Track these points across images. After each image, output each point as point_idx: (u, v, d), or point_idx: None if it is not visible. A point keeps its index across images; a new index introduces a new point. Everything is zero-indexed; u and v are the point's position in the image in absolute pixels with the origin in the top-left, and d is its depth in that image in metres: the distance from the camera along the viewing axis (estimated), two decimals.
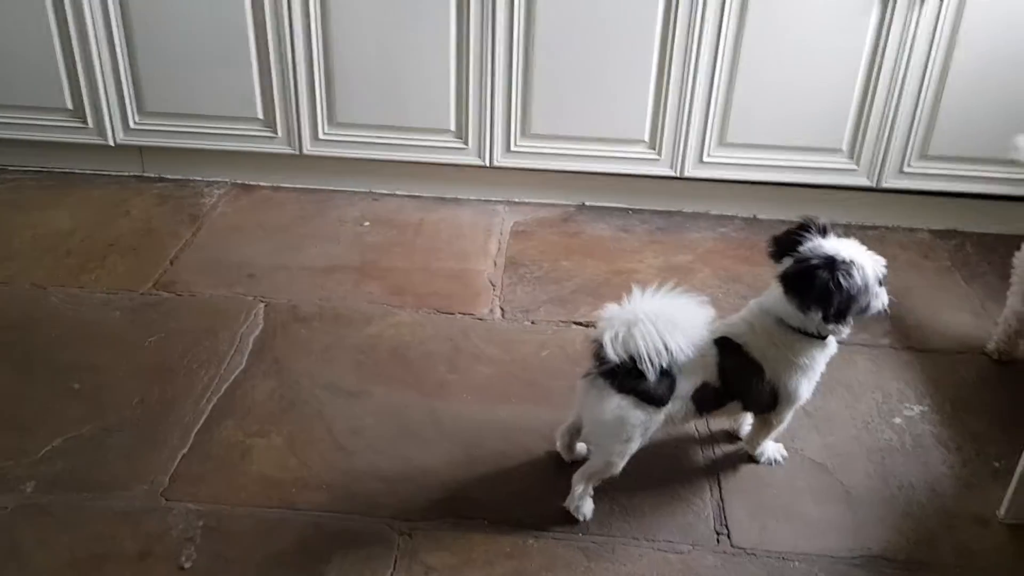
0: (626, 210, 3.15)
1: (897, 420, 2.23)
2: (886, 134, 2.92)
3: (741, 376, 1.86)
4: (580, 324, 2.53)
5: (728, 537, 1.87)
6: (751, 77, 2.86)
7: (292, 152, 3.08)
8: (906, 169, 2.98)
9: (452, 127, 3.01)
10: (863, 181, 3.01)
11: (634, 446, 1.81)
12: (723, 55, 2.83)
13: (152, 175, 3.21)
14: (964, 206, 3.07)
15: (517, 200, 3.18)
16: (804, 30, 2.78)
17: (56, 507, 1.84)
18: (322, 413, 2.14)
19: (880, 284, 1.81)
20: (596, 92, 2.91)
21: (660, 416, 1.79)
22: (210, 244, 2.82)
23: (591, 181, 3.11)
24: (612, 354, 1.67)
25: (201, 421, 2.09)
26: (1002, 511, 1.94)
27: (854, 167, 2.99)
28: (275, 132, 3.05)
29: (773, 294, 1.86)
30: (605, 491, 1.93)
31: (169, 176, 3.21)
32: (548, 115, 2.97)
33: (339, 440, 2.06)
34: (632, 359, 1.68)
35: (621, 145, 3.00)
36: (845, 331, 1.85)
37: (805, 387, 1.91)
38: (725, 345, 1.84)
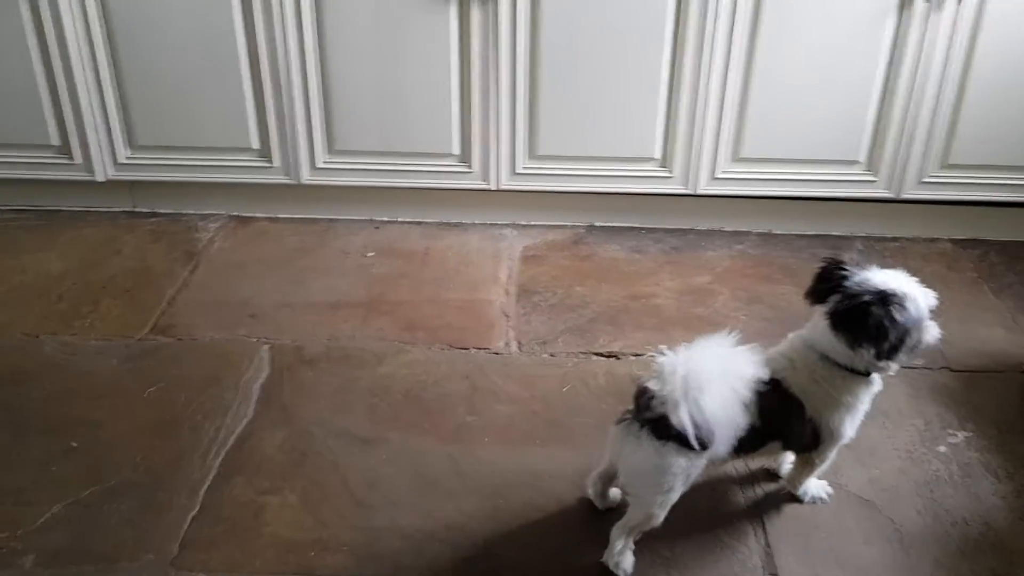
0: (638, 229, 3.05)
1: (942, 448, 2.12)
2: (905, 144, 2.83)
3: (781, 414, 1.75)
4: (601, 355, 2.42)
5: None
6: (764, 90, 2.76)
7: (290, 182, 2.96)
8: (926, 179, 2.88)
9: (456, 151, 2.89)
10: (882, 192, 2.91)
11: (676, 495, 1.69)
12: (735, 68, 2.73)
13: (144, 210, 3.09)
14: (986, 214, 2.98)
15: (524, 223, 3.07)
16: (818, 41, 2.68)
17: None
18: (336, 464, 2.02)
19: (931, 317, 1.71)
20: (604, 110, 2.81)
21: (702, 461, 1.68)
22: (209, 283, 2.69)
23: (600, 201, 3.01)
24: (673, 419, 1.54)
25: (210, 479, 1.96)
26: None
27: (873, 178, 2.89)
28: (271, 162, 2.93)
29: (817, 328, 1.75)
30: (643, 541, 1.81)
31: (162, 211, 3.09)
32: (555, 135, 2.86)
33: (356, 494, 1.94)
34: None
35: (631, 164, 2.90)
36: (895, 368, 1.74)
37: (849, 425, 1.80)
38: (767, 383, 1.73)
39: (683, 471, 1.66)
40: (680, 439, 1.60)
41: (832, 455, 1.87)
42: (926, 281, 2.74)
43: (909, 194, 2.91)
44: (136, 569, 1.74)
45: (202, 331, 2.46)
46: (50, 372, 2.29)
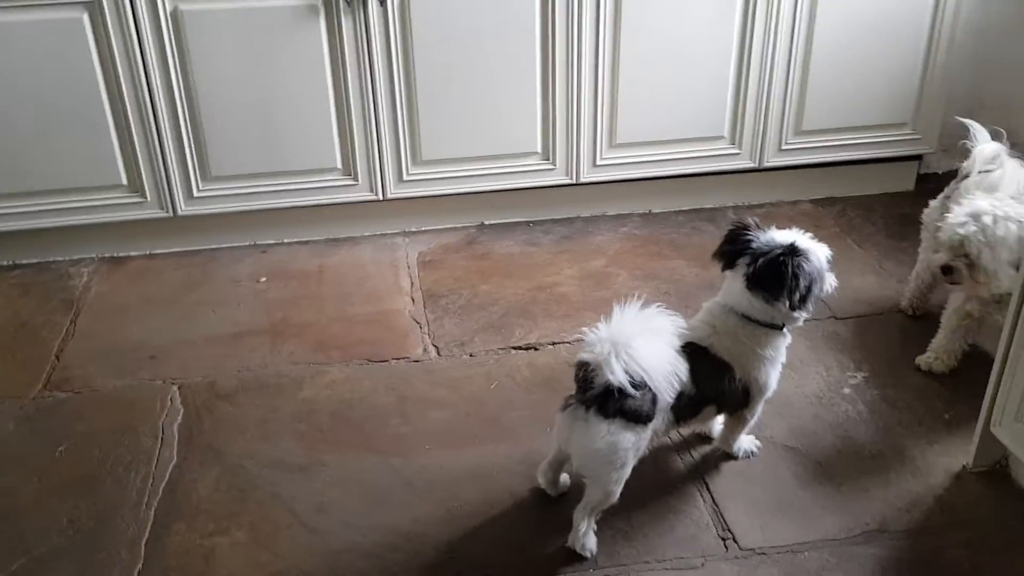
0: (527, 223, 3.10)
1: (846, 390, 2.28)
2: (762, 116, 3.01)
3: (714, 379, 1.84)
4: (520, 348, 2.45)
5: (735, 541, 1.84)
6: (632, 79, 2.87)
7: (165, 215, 2.84)
8: (784, 147, 3.08)
9: (338, 165, 2.86)
10: (747, 163, 3.09)
11: (628, 470, 1.75)
12: (603, 59, 2.82)
13: (5, 263, 2.87)
14: (839, 174, 3.21)
15: (415, 229, 3.06)
16: (676, 26, 2.82)
17: None
18: (278, 495, 1.96)
19: (828, 268, 1.84)
20: (483, 110, 2.84)
21: (648, 433, 1.74)
22: (96, 329, 2.55)
23: (488, 199, 3.04)
24: (610, 376, 1.60)
25: (148, 530, 1.86)
26: (970, 462, 2.01)
27: (737, 151, 3.06)
28: (143, 196, 2.80)
29: (733, 292, 1.85)
30: (602, 519, 1.86)
31: (24, 261, 2.89)
32: (437, 140, 2.87)
33: (307, 522, 1.89)
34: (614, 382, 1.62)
35: (515, 159, 2.95)
36: (803, 318, 1.86)
37: (773, 377, 1.92)
38: (692, 351, 1.81)
39: (633, 445, 1.71)
40: (626, 414, 1.66)
41: (760, 409, 1.97)
42: None
43: (770, 162, 3.10)
44: None
45: (101, 380, 2.33)
46: None
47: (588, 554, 1.79)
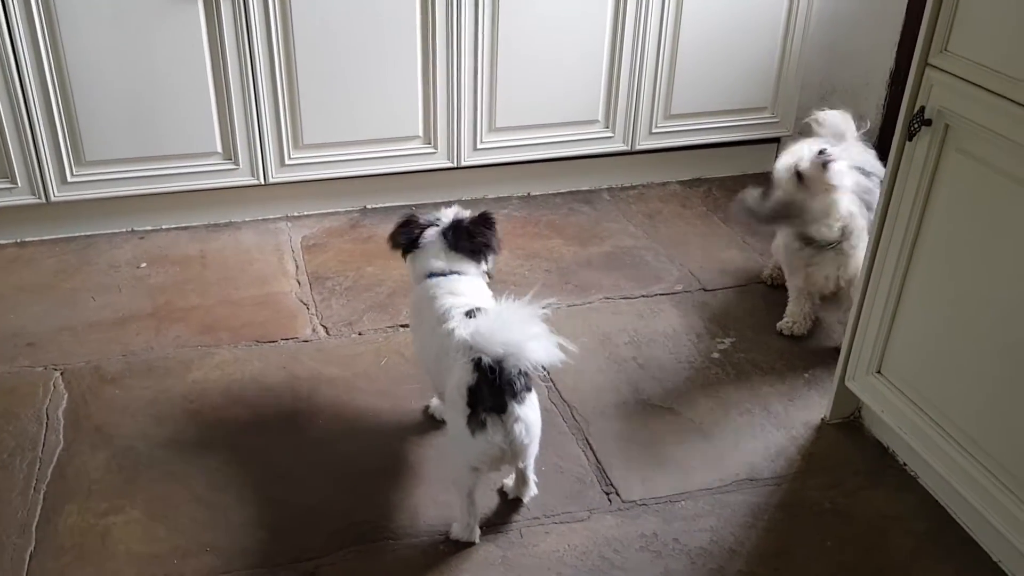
0: (409, 207, 3.14)
1: (715, 355, 2.45)
2: (634, 100, 3.16)
3: None
4: (407, 326, 2.51)
5: (618, 495, 1.97)
6: (510, 64, 2.96)
7: (37, 201, 2.75)
8: (654, 130, 3.24)
9: (219, 148, 2.84)
10: (620, 146, 3.24)
11: None
12: (483, 44, 2.91)
13: None
14: (705, 156, 3.39)
15: (297, 214, 3.07)
16: (551, 13, 2.92)
17: None
18: (173, 474, 1.97)
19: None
20: (364, 94, 2.88)
21: None
22: None
23: (370, 183, 3.08)
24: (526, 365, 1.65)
25: (38, 513, 1.84)
26: (828, 414, 2.20)
27: (610, 134, 3.20)
28: (14, 182, 2.71)
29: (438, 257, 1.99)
30: (493, 481, 1.95)
31: None
32: (319, 123, 2.89)
33: (204, 498, 1.91)
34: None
35: (397, 143, 2.99)
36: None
37: None
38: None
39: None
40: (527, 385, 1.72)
41: None
42: (668, 219, 3.14)
43: (641, 145, 3.26)
44: None
45: None
46: None
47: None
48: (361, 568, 1.76)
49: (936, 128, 1.77)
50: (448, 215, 2.01)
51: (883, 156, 1.96)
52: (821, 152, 2.26)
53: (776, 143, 3.42)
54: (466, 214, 2.02)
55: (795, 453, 2.10)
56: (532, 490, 1.92)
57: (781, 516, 1.93)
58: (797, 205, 2.28)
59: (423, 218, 2.01)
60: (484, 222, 1.99)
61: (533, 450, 1.79)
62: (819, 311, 2.52)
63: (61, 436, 2.05)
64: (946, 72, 1.73)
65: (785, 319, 2.52)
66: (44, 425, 2.08)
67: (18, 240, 2.85)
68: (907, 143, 1.84)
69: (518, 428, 1.69)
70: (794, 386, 2.33)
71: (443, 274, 1.94)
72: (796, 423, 2.19)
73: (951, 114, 1.74)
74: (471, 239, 1.97)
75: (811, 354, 2.44)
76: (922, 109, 1.79)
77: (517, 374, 1.67)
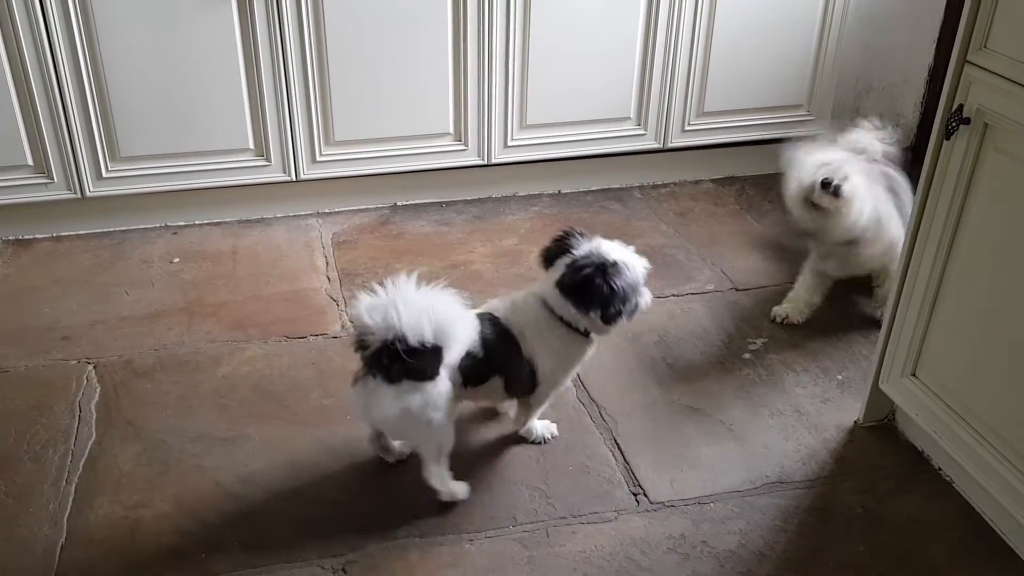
0: (440, 204, 3.15)
1: (746, 355, 2.42)
2: (667, 98, 3.13)
3: (500, 348, 1.85)
4: None
5: (645, 496, 1.95)
6: (542, 60, 2.95)
7: (73, 196, 2.79)
8: (687, 128, 3.21)
9: (251, 145, 2.86)
10: (652, 144, 3.21)
11: (441, 415, 1.76)
12: (514, 39, 2.90)
13: None
14: (738, 154, 3.36)
15: (328, 210, 3.08)
16: (585, 10, 2.91)
17: None
18: (203, 468, 1.98)
19: (644, 283, 1.89)
20: (395, 91, 2.88)
21: (441, 387, 1.75)
22: (4, 313, 2.50)
23: (401, 180, 3.08)
24: (374, 327, 1.63)
25: (69, 505, 1.86)
26: (861, 417, 2.17)
27: (642, 132, 3.18)
28: (50, 177, 2.75)
29: (547, 287, 1.88)
30: (520, 480, 1.95)
31: None
32: (350, 120, 2.90)
33: (232, 491, 1.92)
34: (392, 342, 1.63)
35: (427, 140, 3.00)
36: (611, 331, 1.90)
37: (562, 376, 1.96)
38: (488, 319, 1.86)
39: (427, 403, 1.72)
40: (411, 374, 1.68)
41: (547, 400, 2.01)
42: (700, 218, 3.11)
43: (674, 143, 3.23)
44: None
45: (13, 361, 2.29)
46: None
47: (463, 496, 1.87)
48: (388, 565, 1.76)
49: (975, 127, 1.73)
50: (595, 250, 1.84)
51: (920, 156, 1.92)
52: (825, 184, 2.24)
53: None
54: (622, 255, 1.85)
55: (827, 456, 2.07)
56: (443, 491, 1.86)
57: (812, 520, 1.90)
58: (819, 230, 2.28)
59: (577, 242, 1.87)
60: (599, 274, 1.81)
61: (405, 437, 1.83)
62: (857, 307, 2.47)
63: (93, 429, 2.07)
64: (985, 69, 1.69)
65: (784, 304, 2.49)
66: (77, 418, 2.10)
67: (54, 235, 2.89)
68: (944, 142, 1.80)
69: (369, 404, 1.73)
70: (827, 388, 2.29)
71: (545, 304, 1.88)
72: (828, 426, 2.16)
73: (990, 112, 1.70)
74: (581, 289, 1.82)
75: (845, 356, 2.40)
76: (960, 107, 1.75)
77: (388, 354, 1.64)
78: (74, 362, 2.30)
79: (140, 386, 2.22)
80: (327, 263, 2.79)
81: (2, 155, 2.67)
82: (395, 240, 2.93)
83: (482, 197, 3.20)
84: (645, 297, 1.90)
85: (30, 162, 2.71)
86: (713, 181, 3.37)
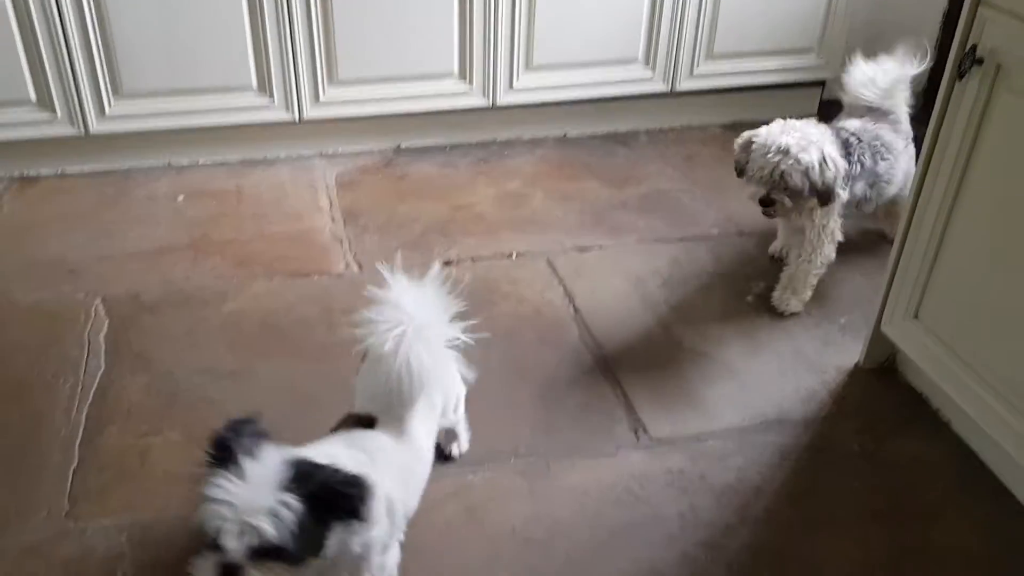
0: (444, 146, 3.14)
1: (749, 299, 2.43)
2: (676, 39, 3.10)
3: None
4: (443, 264, 2.51)
5: (646, 432, 1.97)
6: None
7: (76, 133, 2.78)
8: (696, 71, 3.18)
9: (254, 84, 2.84)
10: (660, 87, 3.18)
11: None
12: None
13: None
14: (746, 98, 3.33)
15: (331, 152, 3.07)
16: None
17: None
18: (211, 400, 2.00)
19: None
20: (400, 29, 2.85)
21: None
22: (11, 247, 2.51)
23: (405, 122, 3.06)
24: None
25: (80, 433, 1.89)
26: (862, 359, 2.18)
27: (650, 75, 3.15)
28: (54, 113, 2.74)
29: None
30: (522, 416, 1.98)
31: None
32: (354, 59, 2.87)
33: None
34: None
35: (432, 81, 2.97)
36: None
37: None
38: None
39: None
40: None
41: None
42: (707, 163, 3.10)
43: (682, 86, 3.20)
44: (30, 529, 1.67)
45: (20, 295, 2.31)
46: None
47: None
48: None
49: (987, 68, 1.72)
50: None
51: (931, 101, 1.90)
52: (762, 202, 2.22)
53: (821, 87, 3.35)
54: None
55: (826, 397, 2.09)
56: None
57: (809, 457, 1.93)
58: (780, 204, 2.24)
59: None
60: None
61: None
62: (861, 252, 2.46)
63: (102, 361, 2.09)
64: (1000, 9, 1.67)
65: (777, 291, 2.39)
66: (86, 349, 2.12)
67: (59, 172, 2.89)
68: (956, 84, 1.78)
69: None
70: (828, 331, 2.31)
71: None
72: (829, 367, 2.18)
73: (1004, 53, 1.68)
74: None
75: (847, 300, 2.42)
76: (974, 48, 1.73)
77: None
78: (82, 295, 2.31)
79: (147, 320, 2.23)
80: (331, 204, 2.79)
81: (5, 90, 2.66)
82: (399, 182, 2.92)
83: (486, 140, 3.19)
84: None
85: (33, 98, 2.70)
86: (721, 126, 3.35)
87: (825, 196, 2.19)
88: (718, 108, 3.32)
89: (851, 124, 2.36)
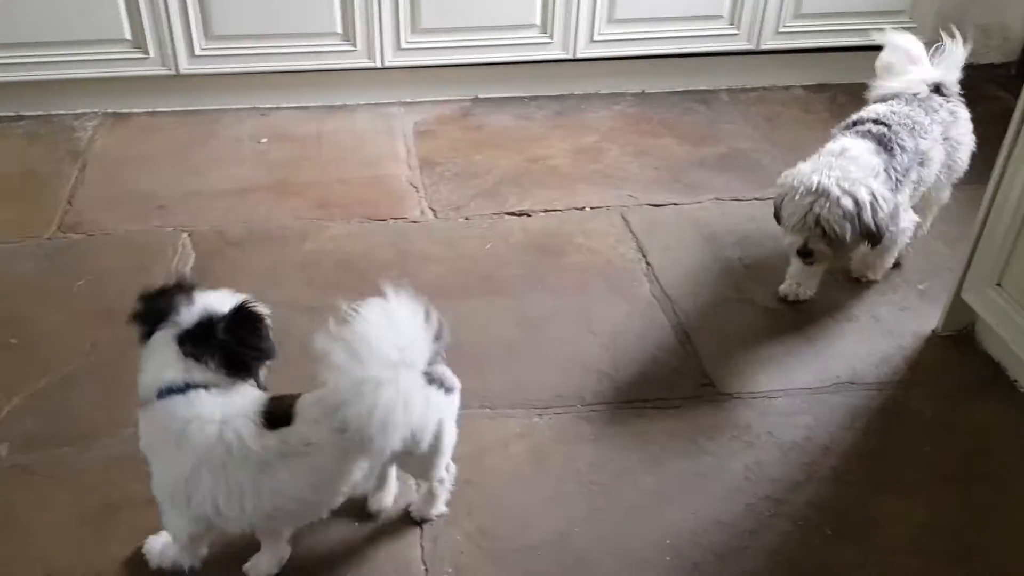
0: (521, 98, 3.15)
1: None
2: None
3: None
4: (513, 214, 2.54)
5: (713, 386, 1.98)
6: None
7: (168, 72, 2.86)
8: (782, 29, 3.12)
9: (339, 29, 2.88)
10: (744, 45, 3.13)
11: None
12: None
13: (9, 114, 2.90)
14: (832, 60, 3.25)
15: (410, 100, 3.10)
16: None
17: (41, 466, 1.72)
18: (289, 332, 2.04)
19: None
20: None
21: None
22: (104, 180, 2.61)
23: (483, 72, 3.07)
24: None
25: None
26: (940, 326, 2.14)
27: (735, 32, 3.10)
28: (146, 52, 2.82)
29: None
30: (590, 365, 1.99)
31: (28, 113, 2.92)
32: (437, 7, 2.89)
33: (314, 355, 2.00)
34: None
35: (513, 31, 2.97)
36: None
37: None
38: None
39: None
40: None
41: None
42: (787, 124, 3.04)
43: (767, 45, 3.14)
44: (117, 444, 1.75)
45: (113, 225, 2.41)
46: None
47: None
48: (460, 432, 1.83)
49: None
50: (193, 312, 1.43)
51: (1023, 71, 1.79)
52: (800, 253, 2.03)
53: None
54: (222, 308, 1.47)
55: (901, 362, 2.06)
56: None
57: (880, 420, 1.91)
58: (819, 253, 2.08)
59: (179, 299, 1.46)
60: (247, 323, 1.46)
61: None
62: (943, 219, 2.41)
63: None
64: None
65: (787, 282, 2.24)
66: (172, 279, 2.20)
67: (150, 110, 2.98)
68: None
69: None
70: (906, 296, 2.27)
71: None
72: (905, 333, 2.15)
73: None
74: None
75: (928, 266, 2.37)
76: None
77: None
78: (170, 229, 2.40)
79: (231, 255, 2.31)
80: (408, 151, 2.82)
81: (102, 29, 2.74)
82: (476, 132, 2.94)
83: (564, 93, 3.18)
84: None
85: (128, 36, 2.78)
86: (805, 88, 3.29)
87: (877, 238, 1.99)
88: (803, 69, 3.26)
89: (876, 110, 2.17)
